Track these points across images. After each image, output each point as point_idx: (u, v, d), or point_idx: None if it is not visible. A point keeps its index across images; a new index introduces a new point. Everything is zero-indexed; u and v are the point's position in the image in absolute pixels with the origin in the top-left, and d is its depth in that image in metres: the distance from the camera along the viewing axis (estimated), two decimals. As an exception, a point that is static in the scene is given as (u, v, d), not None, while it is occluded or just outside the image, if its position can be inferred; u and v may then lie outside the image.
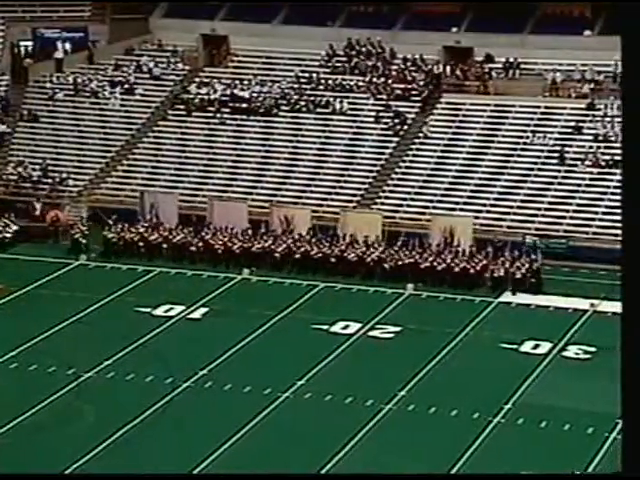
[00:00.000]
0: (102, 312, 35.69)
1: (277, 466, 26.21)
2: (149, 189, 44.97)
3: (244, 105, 47.58)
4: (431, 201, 42.44)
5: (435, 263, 37.25)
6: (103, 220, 40.92)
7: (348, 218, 40.15)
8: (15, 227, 41.59)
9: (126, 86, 49.54)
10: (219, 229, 39.78)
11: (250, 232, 39.67)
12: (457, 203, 42.16)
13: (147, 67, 50.50)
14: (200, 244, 39.34)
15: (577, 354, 32.42)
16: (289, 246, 38.71)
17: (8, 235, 41.22)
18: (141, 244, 39.78)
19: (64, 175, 45.51)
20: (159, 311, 35.68)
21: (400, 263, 37.52)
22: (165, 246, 39.71)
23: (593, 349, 32.53)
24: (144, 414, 28.76)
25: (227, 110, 47.65)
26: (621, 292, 8.42)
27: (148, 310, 35.69)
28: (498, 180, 42.86)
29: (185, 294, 36.86)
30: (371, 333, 34.03)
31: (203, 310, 35.90)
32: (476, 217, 40.77)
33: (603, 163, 42.55)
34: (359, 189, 43.72)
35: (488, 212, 41.50)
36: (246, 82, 48.72)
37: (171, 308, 35.93)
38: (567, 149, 43.40)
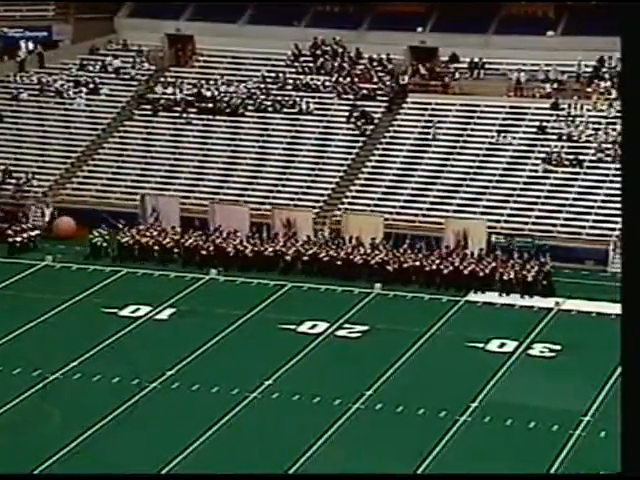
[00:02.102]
0: (68, 313, 35.51)
1: (245, 466, 26.22)
2: (114, 189, 44.83)
3: (210, 105, 47.52)
4: (398, 200, 42.61)
5: (442, 266, 36.97)
6: (112, 224, 40.45)
7: (350, 221, 39.92)
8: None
9: (91, 86, 49.30)
10: (231, 232, 39.33)
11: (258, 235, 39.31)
12: (424, 202, 42.35)
13: (112, 67, 50.28)
14: (211, 248, 38.96)
15: (542, 352, 32.69)
16: (298, 249, 38.48)
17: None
18: (156, 248, 39.33)
19: (30, 176, 45.21)
20: (126, 312, 35.56)
21: (405, 266, 37.21)
22: (177, 250, 39.27)
23: (558, 347, 32.82)
24: (111, 415, 28.64)
25: (193, 110, 47.56)
26: (621, 293, 8.51)
27: (115, 311, 35.55)
28: (465, 180, 43.10)
29: (152, 295, 36.75)
30: (339, 333, 34.11)
31: (170, 311, 35.82)
32: (443, 217, 40.99)
33: (567, 163, 42.94)
34: (327, 189, 43.81)
35: (455, 212, 41.72)
36: (212, 82, 48.66)
37: (138, 309, 35.81)
38: (532, 149, 43.75)
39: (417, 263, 37.31)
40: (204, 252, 38.94)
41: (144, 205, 41.89)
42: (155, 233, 39.86)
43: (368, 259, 37.85)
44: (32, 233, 40.78)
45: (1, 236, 40.70)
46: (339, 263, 37.94)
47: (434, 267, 37.09)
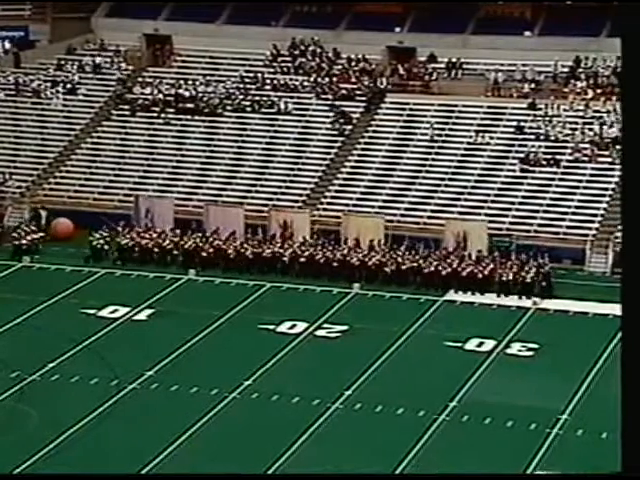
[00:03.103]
0: (46, 314, 35.37)
1: (224, 466, 26.21)
2: (92, 189, 44.69)
3: (189, 105, 47.44)
4: (377, 200, 42.67)
5: (440, 267, 36.90)
6: (110, 226, 40.25)
7: (350, 222, 39.77)
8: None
9: (69, 86, 49.12)
10: (231, 234, 39.15)
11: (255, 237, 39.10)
12: (403, 202, 42.45)
13: (90, 67, 50.11)
14: (211, 250, 38.77)
15: (520, 351, 32.84)
16: (295, 250, 38.35)
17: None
18: (156, 250, 39.11)
19: (7, 176, 44.99)
20: (104, 312, 35.46)
21: (403, 267, 37.11)
22: (176, 252, 39.04)
23: (536, 346, 32.99)
24: (90, 416, 28.56)
25: (171, 110, 47.47)
26: (621, 293, 8.53)
27: (93, 312, 35.44)
28: (443, 180, 43.21)
29: (131, 295, 36.67)
30: (318, 333, 34.15)
31: (149, 311, 35.74)
32: (421, 216, 41.11)
33: (544, 162, 43.15)
34: (305, 189, 43.84)
35: (435, 212, 41.82)
36: (190, 82, 48.58)
37: (116, 309, 35.72)
38: (510, 149, 43.93)
39: (415, 264, 37.19)
40: (204, 254, 38.74)
41: (138, 207, 41.65)
42: (155, 235, 39.61)
43: (365, 260, 37.70)
44: (35, 236, 40.49)
45: None
46: (335, 264, 37.71)
47: (432, 268, 36.98)
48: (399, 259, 37.41)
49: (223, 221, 40.10)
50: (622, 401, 8.52)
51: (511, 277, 36.63)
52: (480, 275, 36.72)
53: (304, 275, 37.72)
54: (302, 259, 38.15)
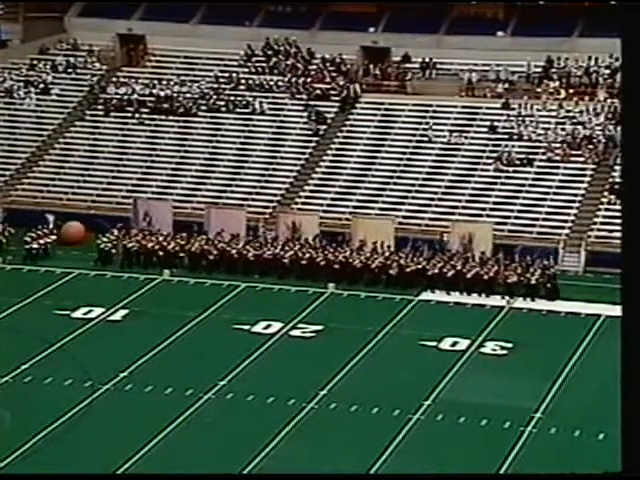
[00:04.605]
0: (20, 315, 35.18)
1: (199, 466, 26.18)
2: (65, 190, 44.50)
3: (163, 105, 47.31)
4: (352, 201, 42.74)
5: (445, 269, 36.77)
6: (103, 227, 40.02)
7: (359, 225, 39.54)
8: None
9: (41, 86, 48.88)
10: (233, 236, 38.95)
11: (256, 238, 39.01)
12: (378, 202, 42.54)
13: (63, 67, 49.88)
14: (215, 252, 38.57)
15: (494, 350, 33.00)
16: (296, 252, 38.18)
17: None
18: (161, 253, 38.85)
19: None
20: (78, 313, 35.32)
21: (408, 270, 36.95)
22: (182, 255, 38.82)
23: (510, 345, 33.16)
24: (63, 417, 28.45)
25: (146, 110, 47.34)
26: (621, 294, 8.56)
27: (67, 313, 35.30)
28: (418, 180, 43.34)
29: (105, 296, 36.54)
30: (293, 332, 34.17)
31: (123, 312, 35.64)
32: (396, 217, 41.23)
33: (518, 162, 43.37)
34: (280, 189, 43.84)
35: (412, 212, 41.94)
36: (165, 82, 48.46)
37: (90, 310, 35.59)
38: (484, 148, 44.12)
39: (419, 266, 37.07)
40: (211, 257, 38.53)
41: (136, 209, 41.42)
42: (161, 238, 39.35)
43: (368, 263, 37.52)
44: (48, 240, 40.21)
45: None
46: (336, 267, 37.49)
47: (436, 271, 36.86)
48: (402, 261, 37.22)
49: (225, 224, 39.71)
50: (622, 401, 8.52)
51: (516, 279, 36.39)
52: (485, 277, 36.52)
53: (305, 277, 37.41)
54: (303, 261, 37.88)
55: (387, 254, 37.77)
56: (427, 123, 44.99)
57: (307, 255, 38.11)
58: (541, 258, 37.16)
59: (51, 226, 41.10)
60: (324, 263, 37.77)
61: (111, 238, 39.47)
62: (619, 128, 43.50)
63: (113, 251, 39.31)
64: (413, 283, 36.73)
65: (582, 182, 42.23)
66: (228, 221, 40.07)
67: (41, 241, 40.01)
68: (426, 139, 44.53)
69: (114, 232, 39.68)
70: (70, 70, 49.83)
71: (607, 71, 45.88)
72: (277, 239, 39.43)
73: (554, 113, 45.03)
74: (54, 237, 40.40)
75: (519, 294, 36.20)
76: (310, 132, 45.87)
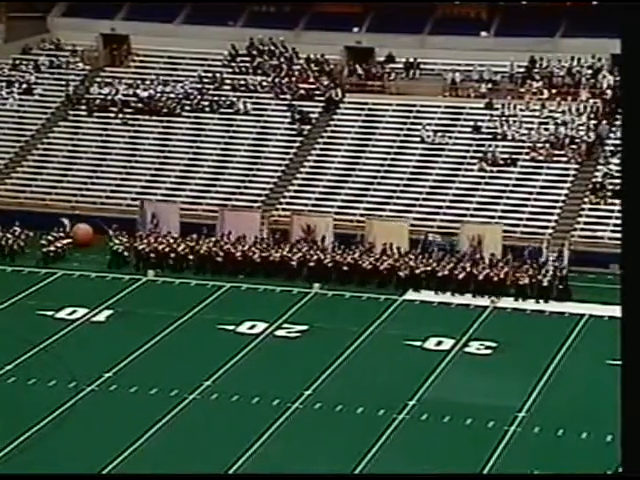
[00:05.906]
0: (2, 316, 35.04)
1: (184, 466, 26.15)
2: (49, 190, 44.35)
3: (147, 106, 47.20)
4: (336, 201, 42.77)
5: (455, 271, 36.60)
6: (104, 229, 39.83)
7: (374, 227, 39.31)
8: None
9: (24, 86, 48.70)
10: (240, 238, 38.83)
11: (268, 241, 38.89)
12: (362, 202, 42.58)
13: (46, 67, 49.71)
14: (221, 254, 38.40)
15: (479, 350, 33.10)
16: (304, 254, 38.00)
17: None
18: (172, 255, 38.65)
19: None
20: (62, 314, 35.22)
21: (417, 271, 36.79)
22: (191, 257, 38.65)
23: (494, 345, 33.26)
24: (47, 418, 28.35)
25: (129, 110, 47.22)
26: (621, 294, 8.59)
27: (50, 313, 35.19)
28: (402, 180, 43.41)
29: (89, 296, 36.44)
30: (278, 333, 34.17)
31: (107, 312, 35.55)
32: (380, 217, 41.27)
33: (502, 162, 43.50)
34: (264, 189, 43.83)
35: (399, 212, 41.99)
36: (148, 82, 48.37)
37: (74, 311, 35.49)
38: (468, 148, 44.23)
39: (429, 268, 36.95)
40: (219, 259, 38.40)
41: (143, 211, 41.21)
42: (171, 240, 39.18)
43: (377, 264, 37.37)
44: (64, 242, 40.02)
45: None
46: (345, 269, 37.33)
47: (446, 272, 36.76)
48: (412, 263, 37.10)
49: (237, 226, 39.49)
50: (622, 401, 8.53)
51: (527, 281, 36.21)
52: (496, 279, 36.44)
53: (312, 280, 37.26)
54: (311, 263, 37.73)
55: (396, 256, 37.65)
56: (420, 124, 44.91)
57: (315, 257, 37.91)
58: (531, 257, 37.10)
59: (67, 229, 40.95)
60: (332, 265, 37.61)
61: (123, 240, 39.32)
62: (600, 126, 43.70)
63: (126, 253, 39.15)
64: (423, 285, 36.56)
65: (565, 182, 42.38)
66: (242, 223, 39.82)
67: (57, 244, 39.86)
68: (416, 139, 44.44)
69: (125, 234, 39.50)
70: (53, 70, 49.67)
71: (589, 71, 46.09)
72: (264, 240, 39.25)
73: (537, 113, 45.19)
74: (69, 240, 40.28)
75: (532, 296, 36.00)
76: (294, 132, 45.87)
